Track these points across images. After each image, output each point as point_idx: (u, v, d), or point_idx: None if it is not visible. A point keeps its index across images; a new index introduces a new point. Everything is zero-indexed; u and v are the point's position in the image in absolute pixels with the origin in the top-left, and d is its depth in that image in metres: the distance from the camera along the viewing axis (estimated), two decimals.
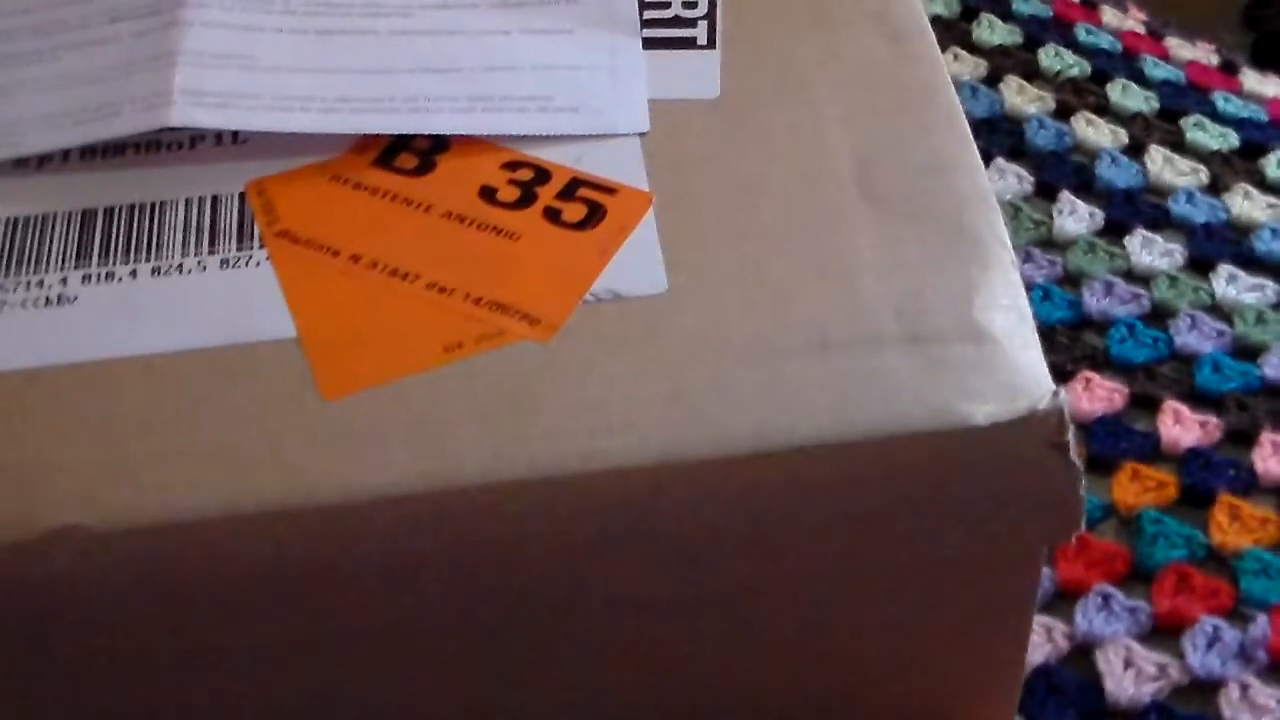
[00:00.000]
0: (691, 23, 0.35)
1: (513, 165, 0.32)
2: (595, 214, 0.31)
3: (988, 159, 0.48)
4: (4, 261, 0.31)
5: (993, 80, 0.52)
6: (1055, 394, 0.29)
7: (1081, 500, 0.29)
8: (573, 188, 0.32)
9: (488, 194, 0.32)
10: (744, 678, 0.32)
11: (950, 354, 0.29)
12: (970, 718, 0.34)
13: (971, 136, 0.33)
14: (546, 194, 0.32)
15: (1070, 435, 0.29)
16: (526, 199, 0.32)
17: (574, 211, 0.31)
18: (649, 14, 0.36)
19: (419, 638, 0.30)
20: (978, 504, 0.29)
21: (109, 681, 0.30)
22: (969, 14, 0.54)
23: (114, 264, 0.31)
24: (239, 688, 0.31)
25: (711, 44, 0.35)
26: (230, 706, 0.31)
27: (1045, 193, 0.48)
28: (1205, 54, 0.54)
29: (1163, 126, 0.51)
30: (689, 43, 0.35)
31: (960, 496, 0.29)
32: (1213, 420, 0.42)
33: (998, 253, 0.31)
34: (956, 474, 0.29)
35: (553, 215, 0.31)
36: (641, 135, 0.33)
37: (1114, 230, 0.47)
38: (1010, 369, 0.29)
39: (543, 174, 0.32)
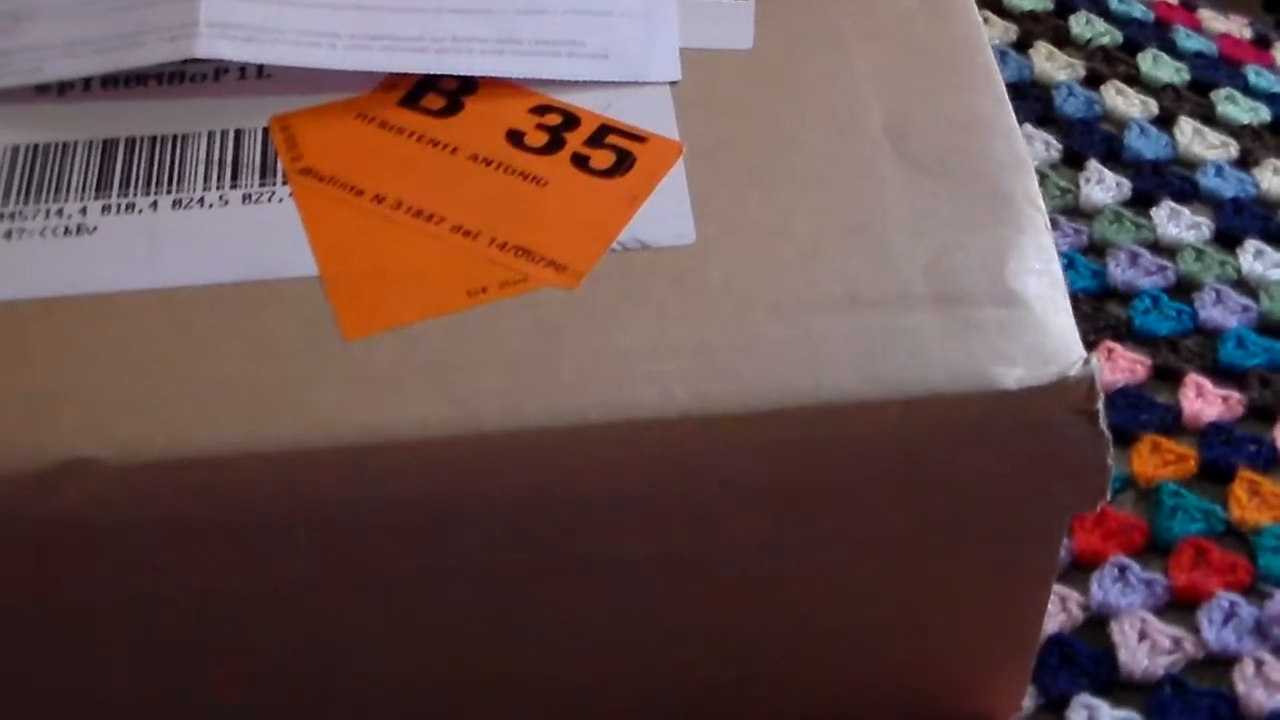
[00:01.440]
0: None
1: (541, 110, 0.32)
2: (624, 162, 0.31)
3: None
4: (24, 189, 0.30)
5: (1023, 46, 0.51)
6: (1086, 361, 0.28)
7: (1109, 469, 0.29)
8: (602, 134, 0.31)
9: (515, 138, 0.31)
10: (759, 639, 0.32)
11: (980, 316, 0.29)
12: (984, 685, 0.34)
13: (1007, 97, 0.33)
14: (575, 140, 0.31)
15: (1100, 403, 0.28)
16: (555, 144, 0.31)
17: (602, 159, 0.31)
18: None
19: (431, 585, 0.30)
20: (1004, 469, 0.29)
21: (114, 621, 0.30)
22: None
23: (135, 195, 0.30)
24: (248, 630, 0.30)
25: None
26: (238, 649, 0.31)
27: (1073, 161, 0.48)
28: (1238, 27, 0.53)
29: (1193, 98, 0.50)
30: None
31: (986, 460, 0.29)
32: (1235, 395, 0.42)
33: (1031, 215, 0.31)
34: (983, 438, 0.28)
35: (581, 162, 0.31)
36: (673, 84, 0.32)
37: (1141, 201, 0.47)
38: (1041, 333, 0.29)
39: (572, 119, 0.32)
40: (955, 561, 0.31)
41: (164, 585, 0.29)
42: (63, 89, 0.32)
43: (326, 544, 0.28)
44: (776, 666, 0.33)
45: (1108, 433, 0.28)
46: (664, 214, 0.30)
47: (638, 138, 0.31)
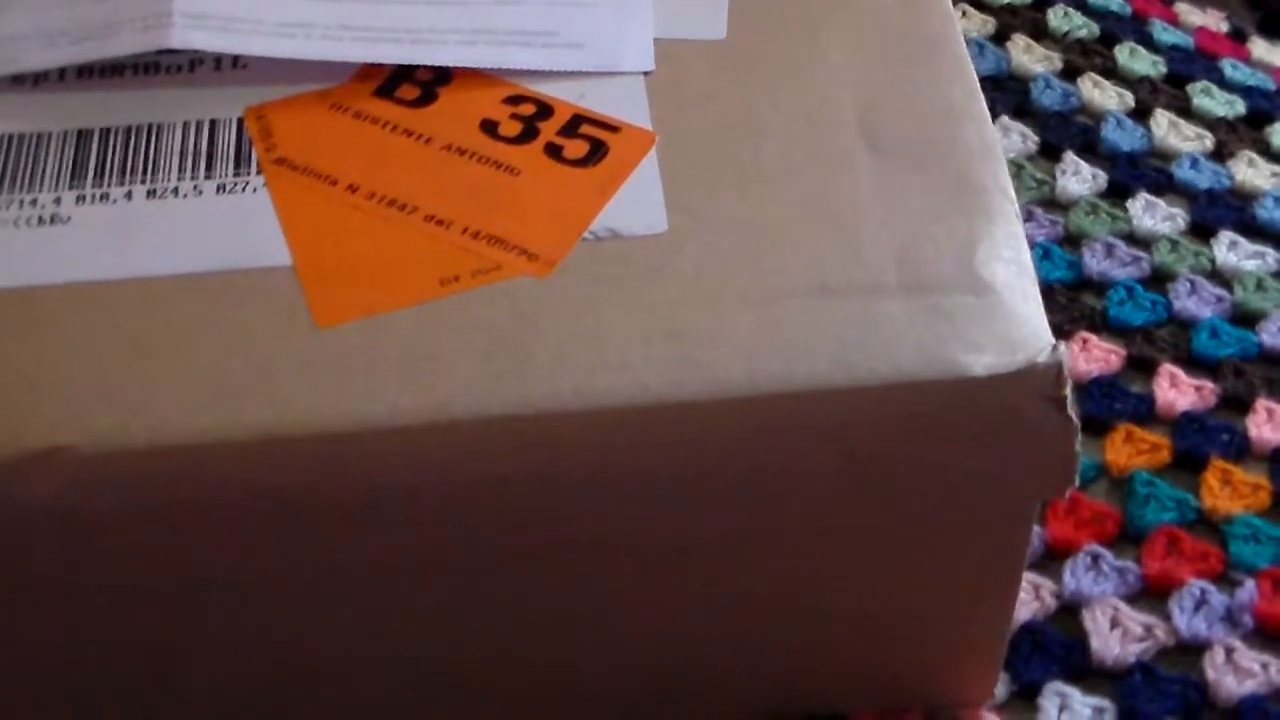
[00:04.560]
0: None
1: (515, 100, 0.32)
2: (597, 151, 0.31)
3: (993, 116, 0.48)
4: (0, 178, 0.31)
5: (1000, 38, 0.52)
6: (1054, 348, 0.29)
7: (1077, 456, 0.29)
8: (575, 124, 0.31)
9: (489, 128, 0.31)
10: (729, 626, 0.32)
11: (950, 304, 0.29)
12: (957, 672, 0.34)
13: (979, 88, 0.33)
14: (548, 130, 0.31)
15: (1068, 390, 0.28)
16: (528, 134, 0.31)
17: (575, 148, 0.31)
18: None
19: (404, 573, 0.30)
20: (973, 455, 0.29)
21: (89, 611, 0.30)
22: None
23: (109, 185, 0.30)
24: (221, 620, 0.30)
25: None
26: (211, 641, 0.31)
27: (1049, 152, 0.48)
28: (1215, 21, 0.54)
29: (1169, 91, 0.50)
30: None
31: (956, 447, 0.29)
32: (1208, 385, 0.42)
33: (1001, 204, 0.31)
34: (952, 424, 0.29)
35: (554, 151, 0.31)
36: (646, 74, 0.32)
37: (1116, 193, 0.47)
38: (1010, 321, 0.29)
39: (545, 109, 0.32)
40: (926, 548, 0.31)
41: (137, 572, 0.29)
42: (38, 79, 0.32)
43: (298, 532, 0.28)
44: (747, 654, 0.33)
45: (1076, 419, 0.29)
46: (636, 203, 0.30)
47: (611, 127, 0.31)
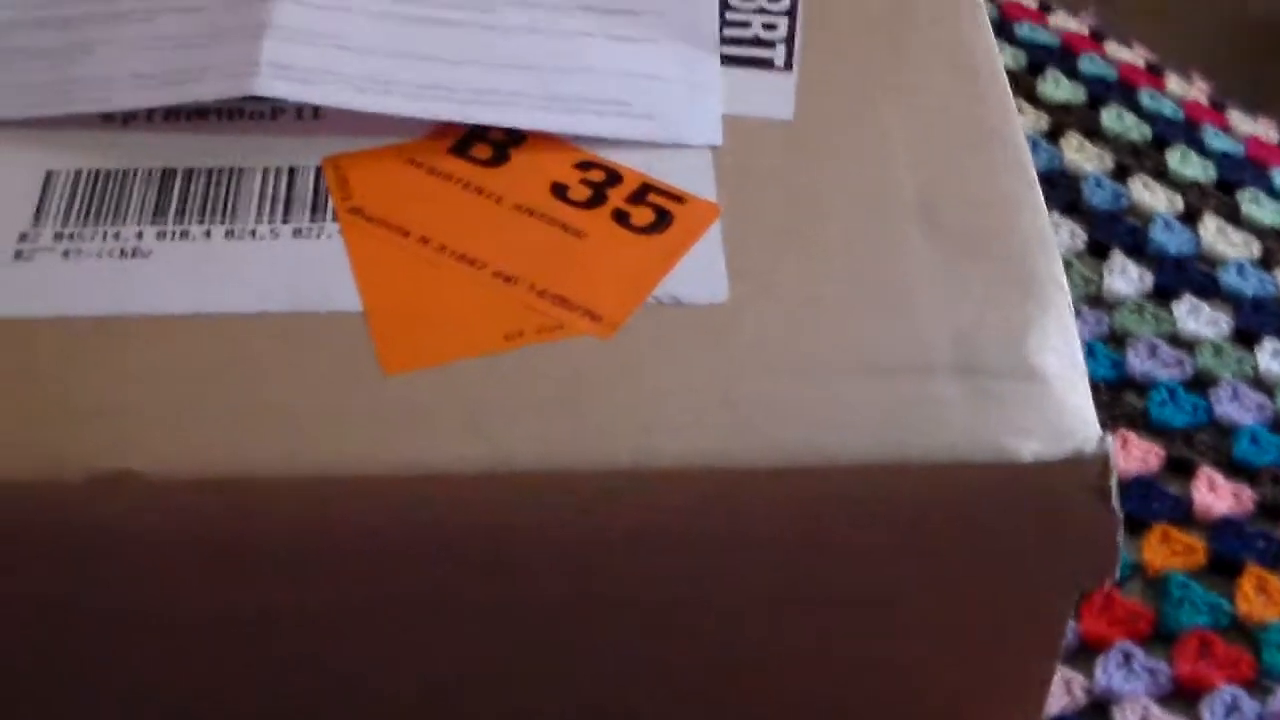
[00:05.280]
0: (770, 44, 0.36)
1: (585, 165, 0.33)
2: (663, 220, 0.32)
3: None
4: (84, 211, 0.31)
5: (1054, 135, 0.52)
6: (1102, 439, 0.29)
7: (1119, 547, 0.29)
8: (643, 193, 0.32)
9: (559, 191, 0.32)
10: (762, 689, 0.32)
11: (1001, 389, 0.30)
12: None
13: (1037, 179, 0.34)
14: (617, 196, 0.32)
15: (1114, 481, 0.29)
16: (597, 199, 0.32)
17: (642, 215, 0.32)
18: (729, 32, 0.36)
19: (450, 614, 0.30)
20: (1016, 540, 0.29)
21: (140, 636, 0.31)
22: (1035, 68, 0.55)
23: (189, 223, 0.31)
24: (268, 647, 0.31)
25: (788, 66, 0.35)
26: (258, 664, 0.31)
27: (1097, 251, 0.49)
28: (1266, 129, 0.54)
29: (1219, 196, 0.51)
30: (766, 63, 0.36)
31: (1000, 531, 0.29)
32: (1247, 491, 0.42)
33: (1055, 295, 0.31)
34: (998, 508, 0.29)
35: (621, 217, 0.32)
36: (713, 149, 0.33)
37: (1162, 294, 0.48)
38: (1059, 410, 0.29)
39: (614, 176, 0.33)
40: (963, 632, 0.31)
41: (194, 600, 0.29)
42: (127, 119, 0.33)
43: (353, 570, 0.29)
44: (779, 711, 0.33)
45: (1120, 511, 0.29)
46: (699, 272, 0.31)
47: (677, 198, 0.32)
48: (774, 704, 0.33)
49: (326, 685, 0.32)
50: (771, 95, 0.35)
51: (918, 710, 0.33)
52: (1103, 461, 0.29)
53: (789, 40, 0.36)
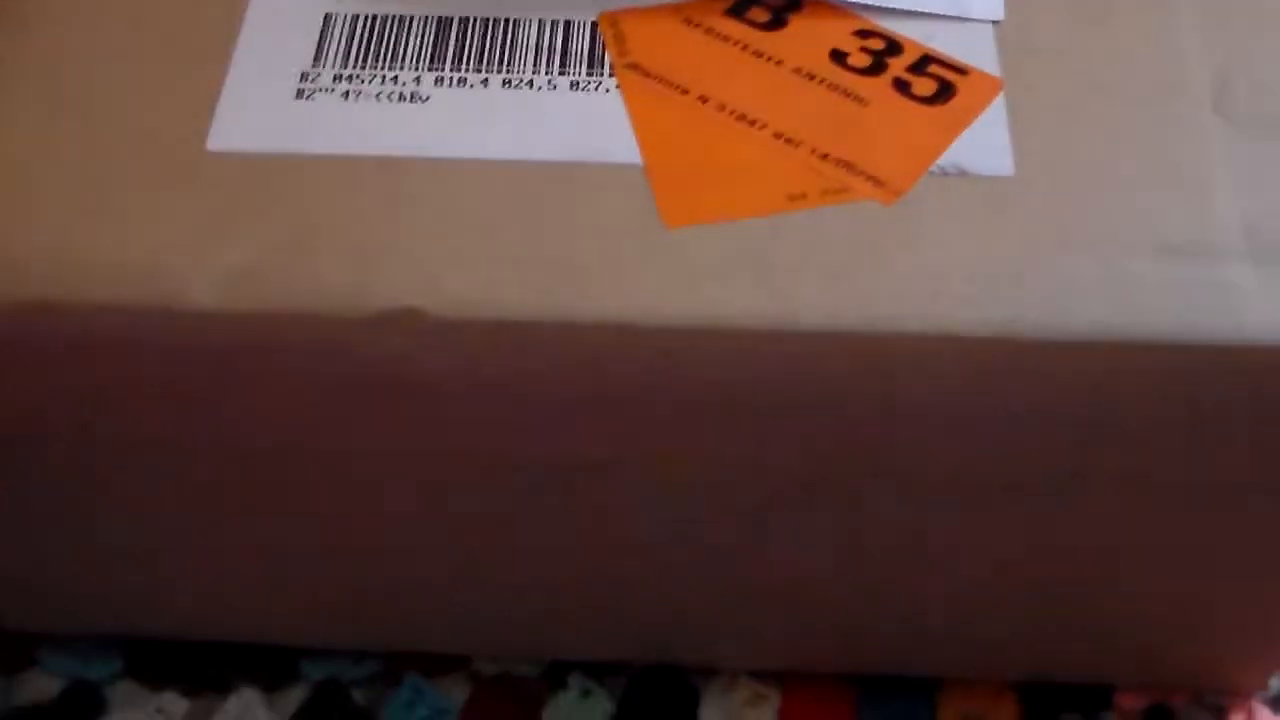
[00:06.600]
0: None
1: (864, 34, 0.32)
2: (945, 91, 0.31)
3: None
4: (363, 54, 0.31)
5: None
6: None
7: None
8: (924, 63, 0.32)
9: (838, 57, 0.32)
10: (1021, 577, 0.32)
11: None
12: (1232, 659, 0.34)
13: None
14: (897, 65, 0.31)
15: None
16: (877, 67, 0.31)
17: (924, 86, 0.31)
18: None
19: (721, 471, 0.30)
20: None
21: (406, 481, 0.31)
22: None
23: (467, 71, 0.31)
24: (543, 502, 0.31)
25: None
26: (524, 522, 0.32)
27: None
28: None
29: None
30: None
31: None
32: None
33: None
34: None
35: (902, 86, 0.31)
36: (995, 23, 0.32)
37: None
38: None
39: (894, 46, 0.32)
40: (1231, 523, 0.31)
41: (467, 441, 0.29)
42: None
43: (627, 422, 0.29)
44: (1026, 608, 0.33)
45: None
46: (983, 145, 0.30)
47: (959, 70, 0.31)
48: (1028, 590, 0.32)
49: (579, 541, 0.32)
50: None
51: (1170, 605, 0.33)
52: None
53: None
